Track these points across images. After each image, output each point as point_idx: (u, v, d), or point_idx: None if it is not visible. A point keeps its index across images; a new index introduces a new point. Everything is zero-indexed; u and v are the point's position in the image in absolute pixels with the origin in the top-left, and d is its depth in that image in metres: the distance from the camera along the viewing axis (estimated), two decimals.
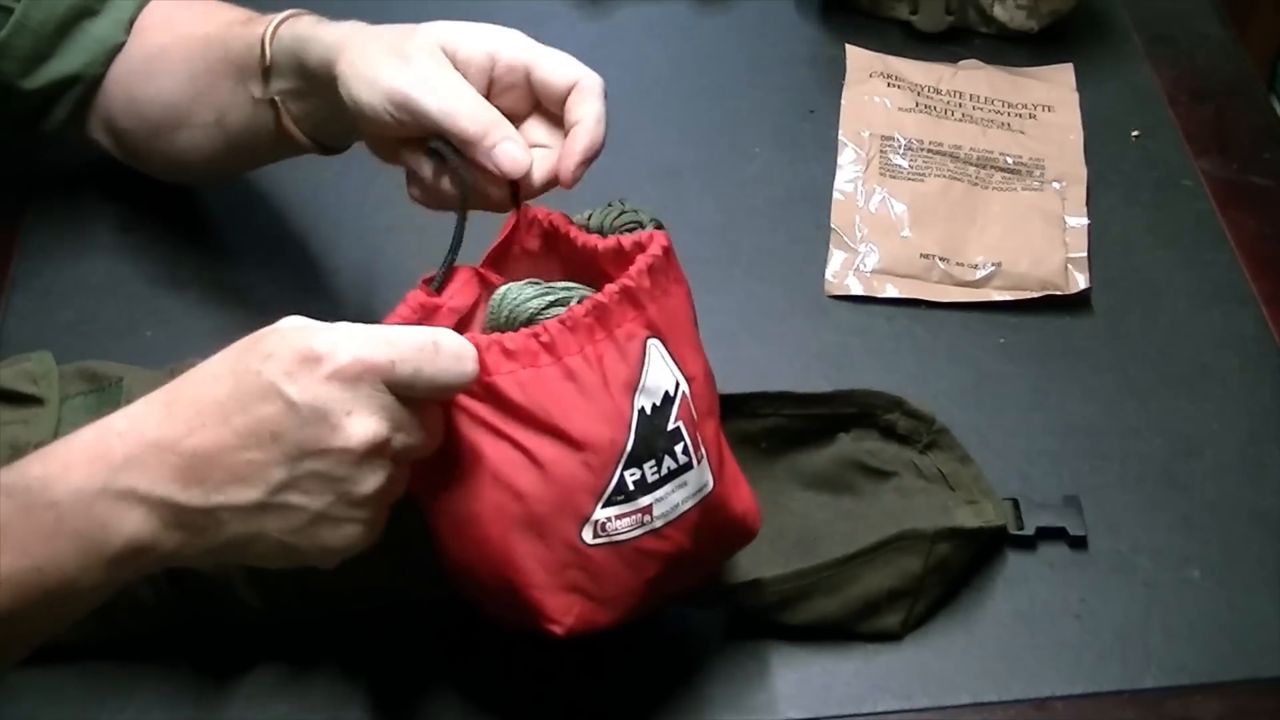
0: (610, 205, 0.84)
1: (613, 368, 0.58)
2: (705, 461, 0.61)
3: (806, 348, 0.83)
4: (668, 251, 0.62)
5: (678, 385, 0.60)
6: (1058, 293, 0.86)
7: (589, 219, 0.82)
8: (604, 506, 0.58)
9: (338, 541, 0.56)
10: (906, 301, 0.86)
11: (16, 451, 0.65)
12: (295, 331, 0.55)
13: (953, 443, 0.74)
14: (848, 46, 1.02)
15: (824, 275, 0.87)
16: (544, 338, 0.57)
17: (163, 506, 0.53)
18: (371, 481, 0.55)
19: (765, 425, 0.74)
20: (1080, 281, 0.86)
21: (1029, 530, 0.73)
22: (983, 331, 0.84)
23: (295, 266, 0.86)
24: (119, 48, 0.81)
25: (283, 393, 0.53)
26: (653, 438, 0.58)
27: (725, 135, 0.97)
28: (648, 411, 0.58)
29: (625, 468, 0.58)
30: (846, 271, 0.87)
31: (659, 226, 0.83)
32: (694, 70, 1.02)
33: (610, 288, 0.59)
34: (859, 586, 0.69)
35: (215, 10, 0.80)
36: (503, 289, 0.61)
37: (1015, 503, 0.73)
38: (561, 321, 0.58)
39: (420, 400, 0.56)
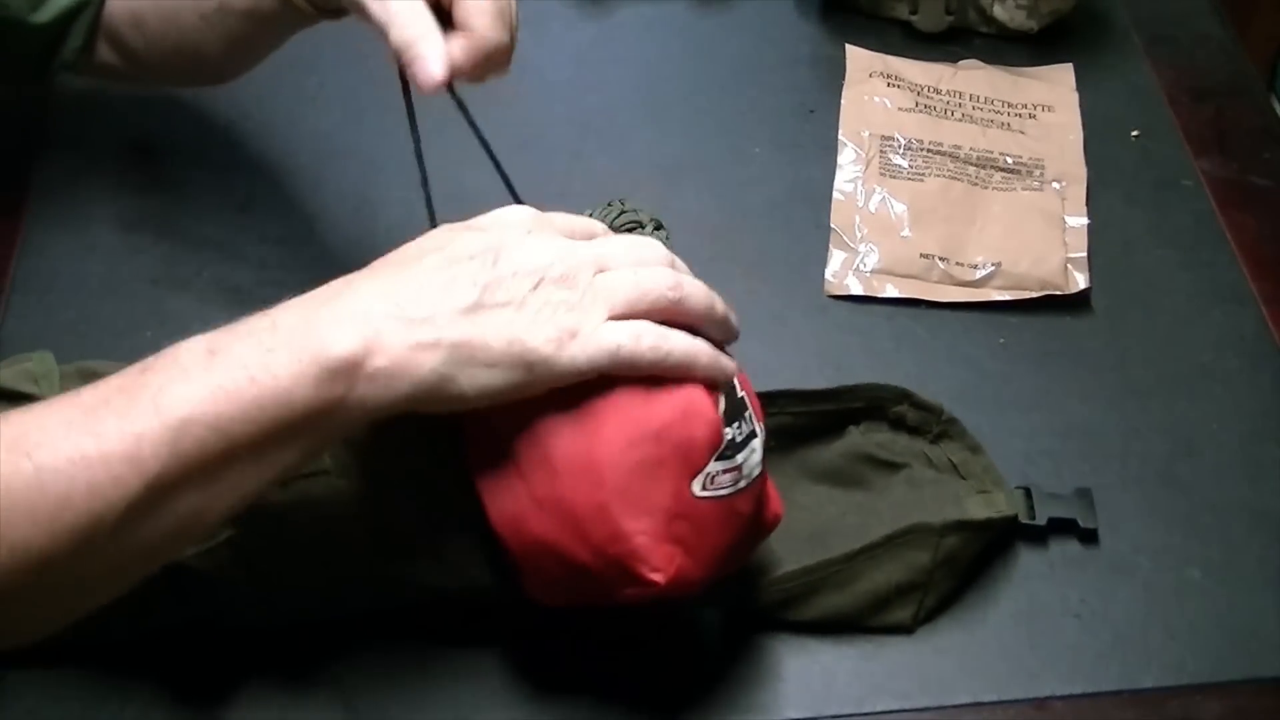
0: (610, 205, 0.84)
1: None
2: (761, 429, 0.63)
3: (806, 348, 0.83)
4: None
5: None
6: (1058, 293, 0.86)
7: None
8: (717, 459, 0.59)
9: (566, 323, 0.57)
10: (906, 301, 0.86)
11: None
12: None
13: (963, 432, 0.74)
14: (847, 46, 1.02)
15: (824, 275, 0.87)
16: None
17: (381, 319, 0.54)
18: (583, 265, 0.58)
19: (773, 424, 0.74)
20: (1080, 281, 0.86)
21: (1040, 521, 0.72)
22: (982, 331, 0.84)
23: (296, 266, 0.86)
24: None
25: (467, 226, 0.59)
26: (731, 400, 0.61)
27: (725, 135, 0.97)
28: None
29: (726, 423, 0.60)
30: (846, 271, 0.87)
31: (659, 227, 0.84)
32: (694, 70, 1.02)
33: None
34: (868, 581, 0.69)
35: None
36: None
37: (1027, 491, 0.73)
38: None
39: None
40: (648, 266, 0.60)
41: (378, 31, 0.66)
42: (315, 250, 0.88)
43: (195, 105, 0.94)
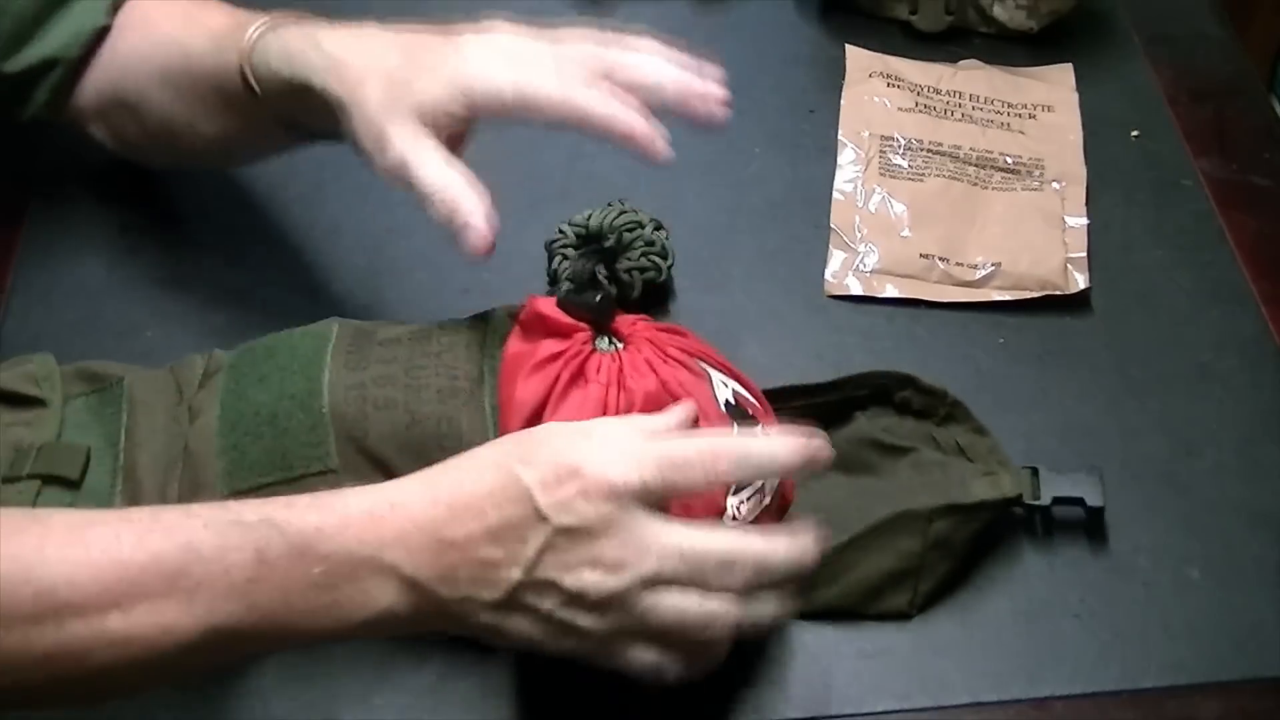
0: (610, 205, 0.84)
1: (685, 378, 0.63)
2: None
3: (806, 348, 0.83)
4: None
5: (731, 387, 0.64)
6: (1057, 292, 0.86)
7: (589, 219, 0.83)
8: (733, 494, 0.60)
9: (617, 657, 0.58)
10: (906, 301, 0.86)
11: (20, 453, 0.65)
12: (558, 437, 0.57)
13: (967, 415, 0.74)
14: (847, 46, 1.02)
15: (824, 275, 0.87)
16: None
17: (418, 589, 0.56)
18: (612, 599, 0.56)
19: (779, 418, 0.74)
20: (1080, 281, 0.86)
21: (1045, 500, 0.72)
22: (982, 331, 0.84)
23: (296, 267, 0.86)
24: (99, 31, 0.80)
25: (534, 500, 0.55)
26: (745, 424, 0.62)
27: (725, 135, 0.95)
28: (733, 403, 0.63)
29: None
30: (846, 271, 0.87)
31: (659, 227, 0.84)
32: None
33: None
34: (858, 571, 0.69)
35: (189, 13, 0.79)
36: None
37: (1034, 471, 0.73)
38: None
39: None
40: (717, 577, 0.57)
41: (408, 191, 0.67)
42: (315, 251, 0.88)
43: None
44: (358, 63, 0.68)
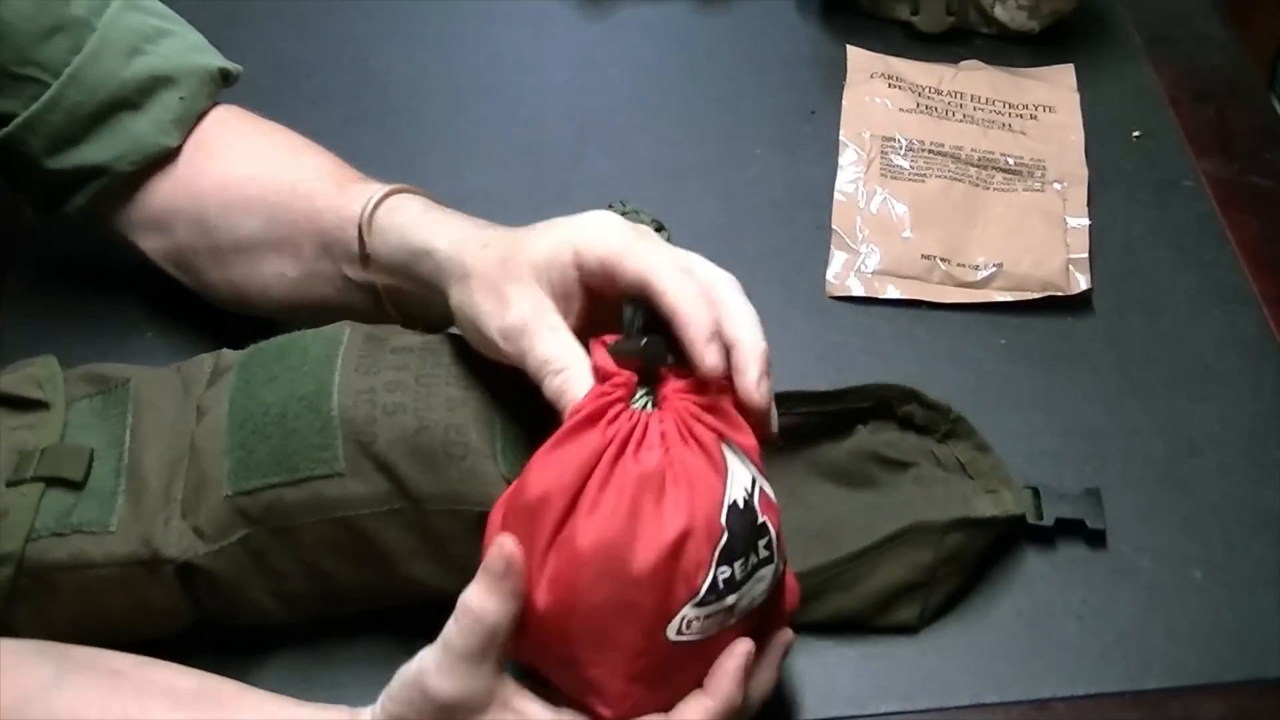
0: (611, 206, 0.84)
1: (695, 464, 0.57)
2: (781, 554, 0.59)
3: (808, 349, 0.83)
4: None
5: (754, 480, 0.58)
6: (1059, 293, 0.86)
7: None
8: (695, 605, 0.56)
9: None
10: (908, 302, 0.86)
11: (24, 456, 0.65)
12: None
13: (970, 431, 0.74)
14: (848, 47, 1.02)
15: (825, 276, 0.87)
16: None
17: None
18: None
19: (781, 424, 0.74)
20: (1081, 282, 0.86)
21: (1048, 522, 0.72)
22: (984, 332, 0.84)
23: None
24: (161, 151, 0.77)
25: None
26: (744, 533, 0.56)
27: (725, 136, 0.96)
28: (739, 505, 0.57)
29: (718, 564, 0.56)
30: (848, 272, 0.87)
31: (660, 228, 0.84)
32: (694, 70, 1.02)
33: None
34: (873, 580, 0.69)
35: (294, 148, 0.77)
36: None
37: (1035, 491, 0.73)
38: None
39: None
40: None
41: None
42: None
43: None
44: (484, 238, 0.65)
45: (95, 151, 0.76)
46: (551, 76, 1.00)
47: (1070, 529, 0.73)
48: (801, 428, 0.74)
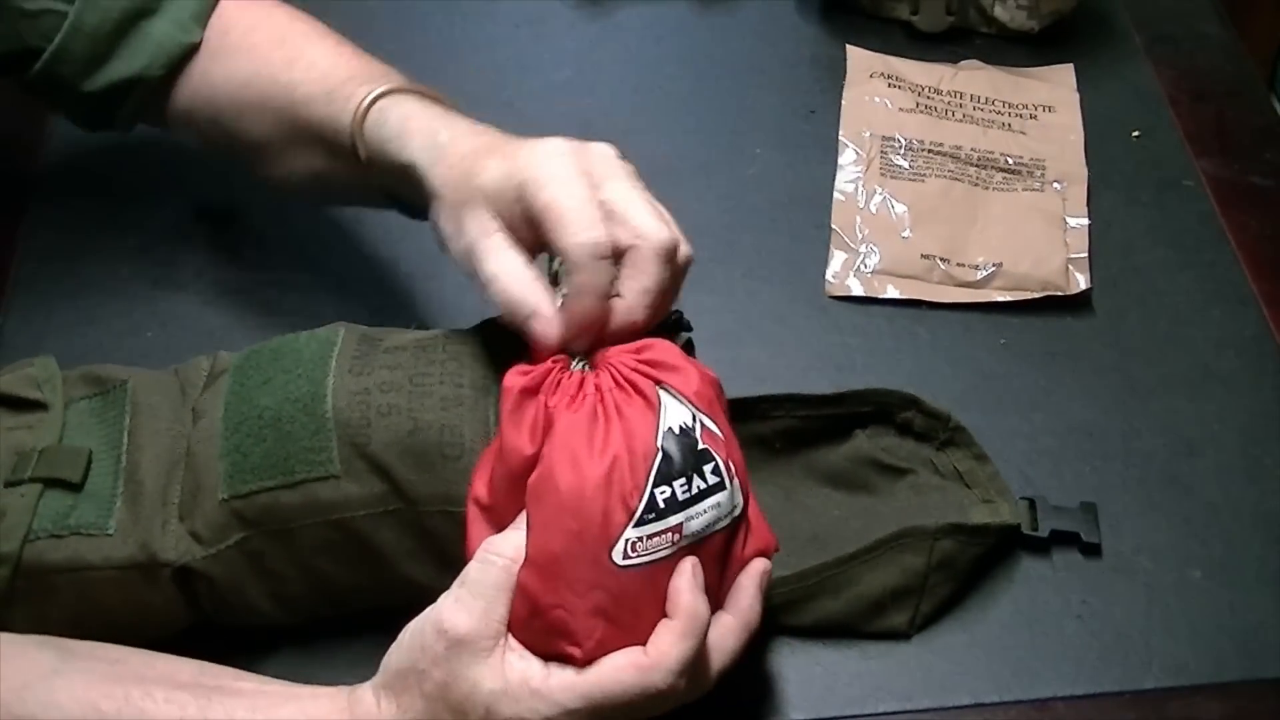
0: None
1: (629, 404, 0.59)
2: (737, 484, 0.60)
3: (807, 349, 0.83)
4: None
5: (694, 416, 0.59)
6: (1059, 293, 0.86)
7: None
8: (635, 526, 0.57)
9: None
10: (907, 302, 0.86)
11: (22, 457, 0.65)
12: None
13: (969, 440, 0.74)
14: (848, 47, 1.02)
15: (825, 276, 0.87)
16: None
17: None
18: None
19: (778, 427, 0.74)
20: (1081, 282, 0.86)
21: (1043, 533, 0.72)
22: (984, 332, 0.84)
23: (295, 267, 0.86)
24: (185, 49, 0.78)
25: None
26: (682, 455, 0.58)
27: (725, 135, 0.96)
28: (675, 431, 0.58)
29: (655, 485, 0.57)
30: (847, 272, 0.87)
31: None
32: (694, 70, 1.02)
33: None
34: (862, 586, 0.69)
35: (291, 41, 0.78)
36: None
37: (1031, 503, 0.73)
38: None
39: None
40: None
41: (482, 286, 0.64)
42: (315, 251, 0.87)
43: None
44: (458, 155, 0.66)
45: (125, 65, 0.78)
46: (551, 76, 1.00)
47: (1065, 539, 0.73)
48: (800, 431, 0.74)
